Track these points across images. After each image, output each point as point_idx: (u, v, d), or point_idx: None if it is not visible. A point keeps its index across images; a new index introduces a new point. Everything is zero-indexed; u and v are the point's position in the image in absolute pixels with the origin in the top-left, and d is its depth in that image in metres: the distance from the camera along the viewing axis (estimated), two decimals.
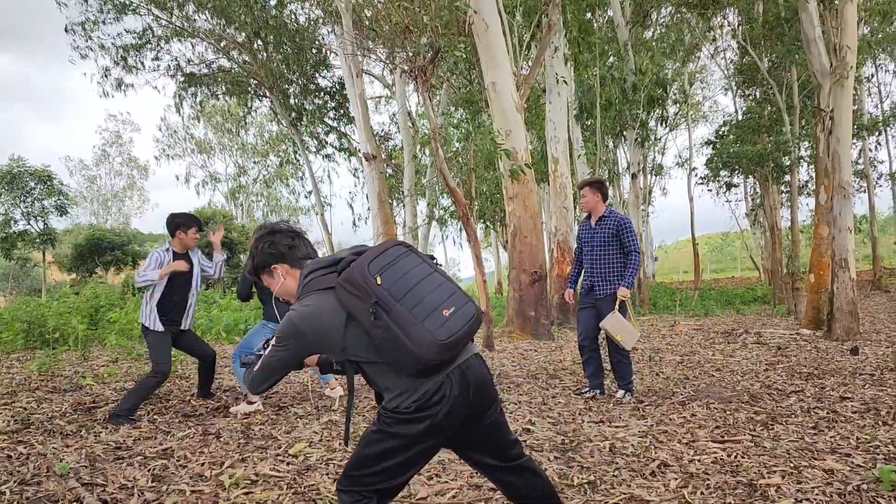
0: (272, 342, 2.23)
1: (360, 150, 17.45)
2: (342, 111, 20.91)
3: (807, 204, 21.83)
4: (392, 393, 2.16)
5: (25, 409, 5.38)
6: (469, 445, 2.36)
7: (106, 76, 19.14)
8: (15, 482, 3.57)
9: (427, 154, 19.75)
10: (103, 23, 18.15)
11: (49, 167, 26.37)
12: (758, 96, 19.99)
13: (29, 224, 27.37)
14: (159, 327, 5.25)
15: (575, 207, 14.35)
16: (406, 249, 2.21)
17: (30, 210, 26.92)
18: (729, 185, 21.95)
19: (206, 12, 18.30)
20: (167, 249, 5.34)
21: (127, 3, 17.76)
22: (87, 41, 18.25)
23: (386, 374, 2.16)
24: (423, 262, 2.20)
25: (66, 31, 18.04)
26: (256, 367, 2.27)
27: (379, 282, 2.06)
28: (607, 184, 5.68)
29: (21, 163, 26.16)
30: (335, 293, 2.14)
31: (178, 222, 5.37)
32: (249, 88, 20.51)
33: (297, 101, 20.05)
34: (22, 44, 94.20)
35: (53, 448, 4.22)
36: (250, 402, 5.52)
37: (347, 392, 2.29)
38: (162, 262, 5.25)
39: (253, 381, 2.28)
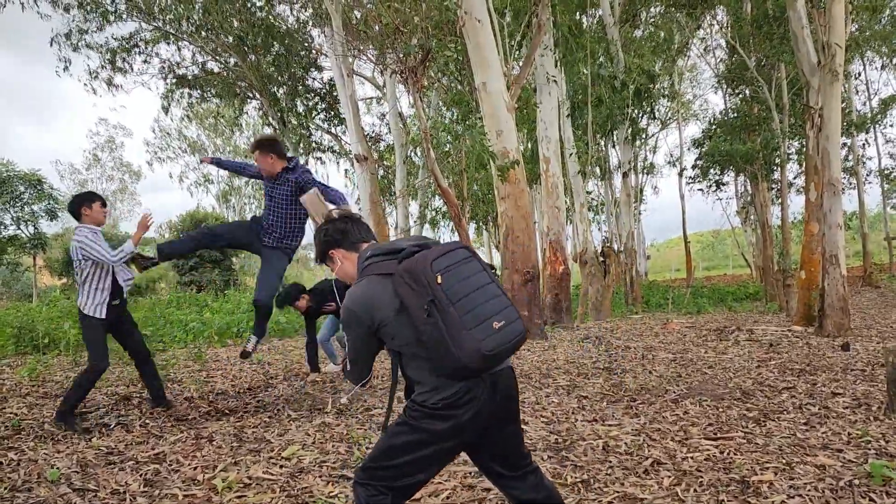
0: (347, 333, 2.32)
1: (351, 152, 17.44)
2: (333, 112, 20.87)
3: (797, 201, 22.00)
4: (424, 388, 2.20)
5: (16, 414, 5.34)
6: (483, 451, 2.36)
7: (95, 77, 19.05)
8: (6, 489, 3.55)
9: (419, 155, 19.76)
10: (87, 32, 18.06)
11: (39, 171, 26.23)
12: (747, 94, 20.08)
13: (19, 229, 27.21)
14: (103, 314, 4.97)
15: (567, 208, 14.40)
16: (469, 255, 2.23)
17: (20, 215, 26.76)
18: (719, 184, 22.04)
19: (195, 16, 18.24)
20: (91, 229, 4.97)
21: (110, 10, 17.68)
22: (73, 51, 18.16)
23: (422, 368, 2.18)
24: (482, 270, 2.22)
25: (51, 44, 17.92)
26: (348, 364, 2.36)
27: (439, 281, 2.08)
28: (280, 140, 5.57)
29: (10, 167, 26.00)
30: (392, 281, 2.16)
31: (80, 200, 5.05)
32: (238, 91, 20.45)
33: (286, 103, 20.01)
34: (11, 45, 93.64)
35: (45, 454, 4.20)
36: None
37: (391, 379, 2.32)
38: (100, 239, 4.96)
39: (350, 375, 2.38)
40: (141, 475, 3.75)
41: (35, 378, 7.06)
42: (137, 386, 6.60)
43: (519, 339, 2.18)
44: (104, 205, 5.16)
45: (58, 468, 3.84)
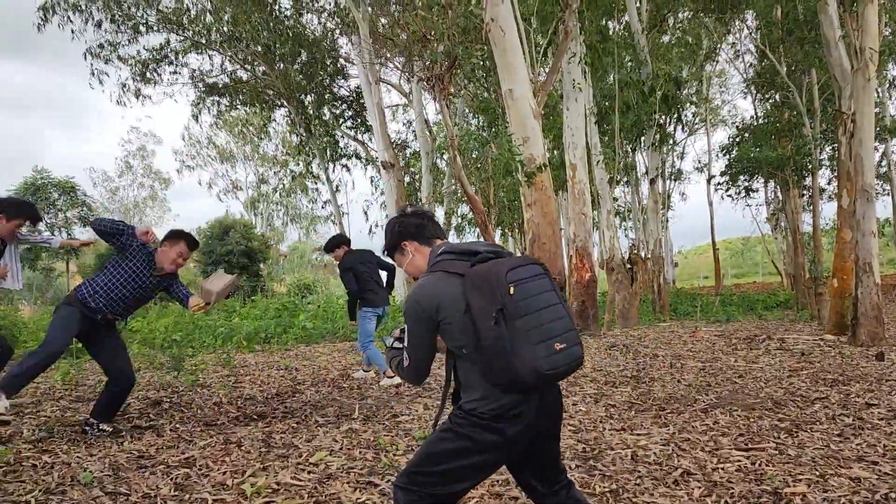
0: (407, 328, 2.29)
1: (377, 159, 17.55)
2: (360, 120, 21.04)
3: (828, 208, 21.61)
4: (473, 394, 2.19)
5: (50, 417, 5.44)
6: (523, 466, 2.35)
7: (125, 90, 19.45)
8: (40, 491, 3.61)
9: (445, 161, 19.81)
10: (118, 45, 18.46)
11: (73, 178, 26.75)
12: (777, 100, 19.81)
13: (53, 234, 27.75)
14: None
15: (594, 213, 14.30)
16: (542, 272, 2.23)
17: (54, 221, 27.31)
18: (748, 190, 21.76)
19: (224, 27, 18.55)
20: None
21: (141, 22, 18.05)
22: (105, 63, 18.57)
23: (476, 374, 2.18)
24: (553, 289, 2.22)
25: (84, 56, 18.34)
26: (406, 363, 2.31)
27: (511, 292, 2.08)
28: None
29: (45, 174, 26.55)
30: (463, 282, 2.16)
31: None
32: (267, 98, 20.72)
33: (313, 110, 20.22)
34: (45, 56, 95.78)
35: (77, 457, 4.27)
36: (390, 377, 6.78)
37: (445, 378, 2.33)
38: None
39: (408, 374, 2.33)
40: (171, 479, 3.80)
41: (68, 382, 7.18)
42: (167, 391, 6.69)
43: (576, 364, 2.18)
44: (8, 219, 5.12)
45: (90, 471, 3.90)
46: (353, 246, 7.46)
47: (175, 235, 4.95)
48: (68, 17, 17.36)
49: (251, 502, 3.44)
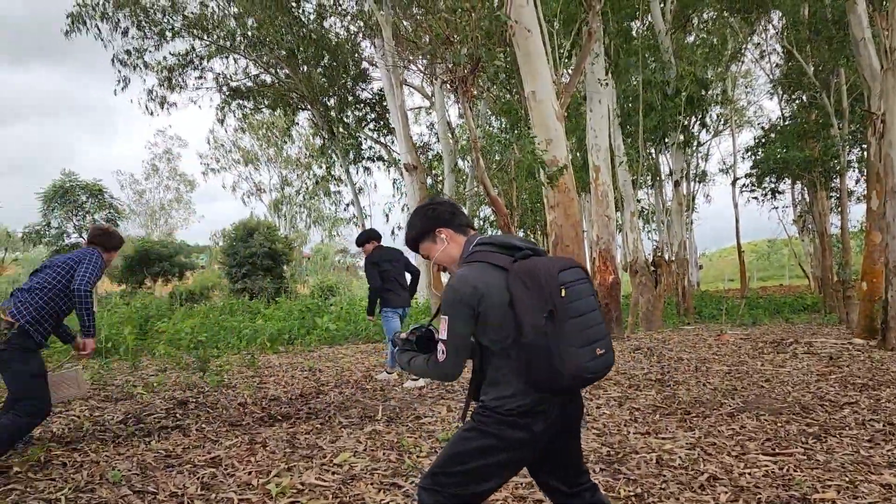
0: (442, 316, 2.20)
1: (400, 161, 17.59)
2: (382, 122, 21.12)
3: (857, 210, 21.30)
4: (501, 391, 2.16)
5: (79, 417, 5.53)
6: (544, 466, 2.34)
7: (152, 98, 19.71)
8: (70, 489, 3.67)
9: (467, 163, 19.81)
10: (144, 51, 18.72)
11: (100, 181, 27.13)
12: (804, 100, 19.55)
13: (81, 237, 28.16)
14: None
15: (617, 215, 14.22)
16: (586, 276, 2.23)
17: (82, 223, 27.73)
18: (775, 192, 21.50)
19: (249, 31, 18.74)
20: None
21: (167, 28, 18.28)
22: (133, 70, 18.84)
23: (506, 369, 2.16)
24: (594, 294, 2.23)
25: (112, 62, 18.63)
26: (441, 356, 2.19)
27: (563, 294, 2.08)
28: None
29: (73, 177, 26.96)
30: (507, 276, 2.14)
31: None
32: (291, 101, 20.88)
33: (336, 113, 20.33)
34: (73, 60, 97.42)
35: (106, 456, 4.33)
36: (414, 378, 6.79)
37: (472, 371, 2.29)
38: None
39: (443, 367, 2.21)
40: (198, 478, 3.84)
41: (97, 382, 7.29)
42: (193, 391, 6.76)
43: (608, 370, 2.20)
44: None
45: (119, 470, 3.96)
46: None
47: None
48: (96, 25, 17.63)
49: (276, 502, 3.47)
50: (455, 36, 8.58)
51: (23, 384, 4.08)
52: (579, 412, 2.30)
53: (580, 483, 2.36)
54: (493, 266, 2.17)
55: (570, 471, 2.35)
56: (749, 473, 3.75)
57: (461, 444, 2.20)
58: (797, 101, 20.41)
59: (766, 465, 3.88)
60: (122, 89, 18.97)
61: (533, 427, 2.14)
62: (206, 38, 19.08)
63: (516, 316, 2.09)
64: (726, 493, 3.45)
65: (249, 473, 3.93)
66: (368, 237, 7.52)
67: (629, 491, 3.51)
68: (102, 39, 17.82)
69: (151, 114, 20.17)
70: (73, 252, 4.44)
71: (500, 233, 9.83)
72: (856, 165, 18.88)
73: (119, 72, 18.67)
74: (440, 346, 2.19)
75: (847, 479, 3.60)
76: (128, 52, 18.57)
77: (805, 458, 4.02)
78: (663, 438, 4.53)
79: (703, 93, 15.99)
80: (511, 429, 2.14)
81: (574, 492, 2.34)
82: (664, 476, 3.74)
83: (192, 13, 18.62)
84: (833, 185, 19.17)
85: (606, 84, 12.75)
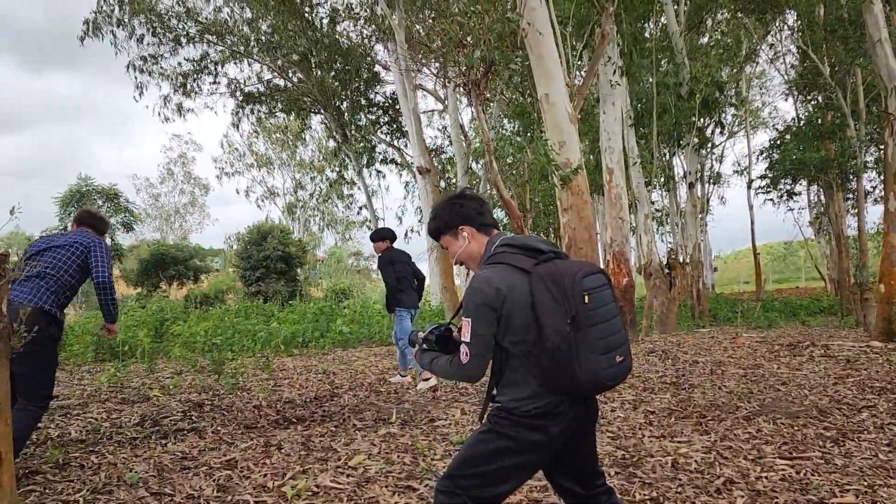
0: (464, 319, 2.18)
1: (413, 164, 17.63)
2: (395, 125, 21.19)
3: (874, 211, 21.09)
4: (518, 392, 2.16)
5: (96, 419, 5.58)
6: (560, 467, 2.33)
7: (166, 103, 19.89)
8: (88, 491, 3.71)
9: (480, 166, 19.82)
10: (159, 58, 18.89)
11: (116, 185, 27.38)
12: (820, 101, 19.40)
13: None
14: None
15: (631, 218, 14.19)
16: (607, 282, 2.23)
17: None
18: (790, 194, 21.34)
19: (262, 36, 18.87)
20: None
21: (182, 34, 18.44)
22: (148, 76, 19.02)
23: (525, 371, 2.15)
24: (615, 301, 2.23)
25: (127, 69, 18.81)
26: (465, 357, 2.18)
27: (587, 300, 2.08)
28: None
29: (89, 182, 27.21)
30: (530, 279, 2.14)
31: None
32: (304, 105, 21.00)
33: (349, 116, 20.42)
34: (90, 65, 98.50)
35: (123, 458, 4.37)
36: (426, 379, 6.84)
37: (491, 372, 2.28)
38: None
39: (467, 369, 2.19)
40: (214, 480, 3.87)
41: (113, 384, 7.35)
42: (209, 393, 6.80)
43: (627, 376, 2.21)
44: None
45: (136, 472, 3.99)
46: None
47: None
48: (111, 31, 17.81)
49: None
50: (468, 39, 8.59)
51: (45, 376, 3.97)
52: (594, 415, 2.30)
53: (595, 485, 2.35)
54: (516, 268, 2.17)
55: (585, 472, 2.34)
56: (766, 477, 3.72)
57: (478, 446, 2.20)
58: (813, 102, 20.25)
59: (784, 469, 3.85)
60: (140, 95, 19.18)
61: (549, 429, 2.14)
62: (220, 43, 19.24)
63: (538, 319, 2.09)
64: (743, 497, 3.43)
65: (265, 476, 3.95)
66: (383, 236, 7.55)
67: (645, 495, 3.50)
68: (117, 46, 18.01)
69: (167, 120, 20.37)
70: (72, 234, 4.31)
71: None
72: (873, 166, 18.71)
73: (135, 78, 18.87)
74: (463, 348, 2.18)
75: (866, 483, 3.57)
76: (143, 59, 18.76)
77: (823, 461, 3.98)
78: (679, 442, 4.50)
79: (719, 94, 15.90)
80: (527, 430, 2.14)
81: (589, 493, 2.34)
82: (680, 480, 3.72)
83: (206, 18, 18.78)
84: (850, 186, 18.99)
85: (618, 85, 12.70)
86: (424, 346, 2.41)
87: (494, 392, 2.27)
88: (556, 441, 2.17)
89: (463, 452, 2.24)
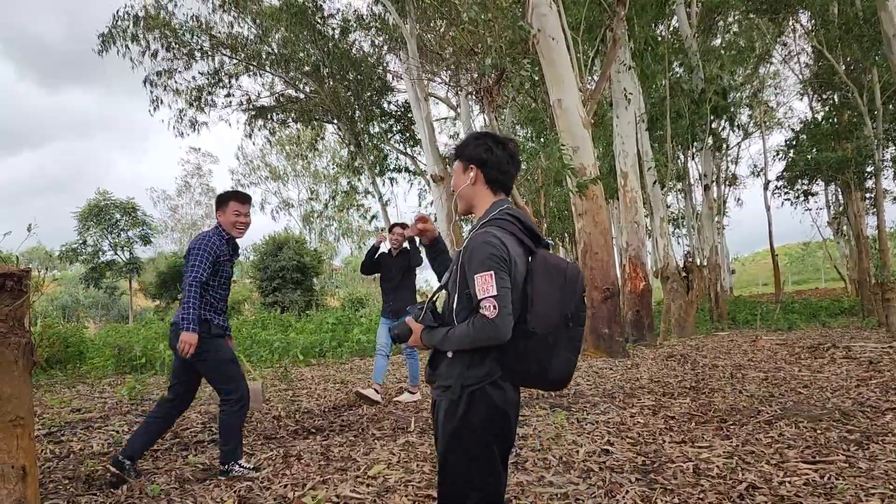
0: (480, 274, 2.03)
1: (427, 172, 17.68)
2: (408, 134, 21.27)
3: (893, 210, 20.82)
4: (476, 369, 2.10)
5: (118, 432, 5.62)
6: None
7: (181, 118, 20.09)
8: (111, 503, 3.73)
9: None
10: (174, 72, 19.13)
11: (133, 199, 27.70)
12: (836, 100, 19.24)
13: (116, 254, 28.75)
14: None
15: (647, 221, 14.13)
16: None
17: (116, 241, 28.29)
18: (808, 194, 21.15)
19: (274, 46, 19.04)
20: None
21: (195, 48, 18.66)
22: (163, 91, 19.25)
23: (494, 349, 2.09)
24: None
25: (144, 83, 19.05)
26: (493, 311, 2.00)
27: (583, 302, 2.13)
28: None
29: (107, 196, 27.53)
30: (533, 259, 2.13)
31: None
32: (317, 116, 21.14)
33: (363, 125, 20.53)
34: (107, 80, 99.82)
35: (145, 470, 4.40)
36: (412, 392, 6.71)
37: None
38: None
39: (495, 326, 2.00)
40: (235, 492, 3.88)
41: (134, 397, 7.41)
42: None
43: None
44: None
45: (158, 484, 4.02)
46: None
47: (222, 199, 4.44)
48: (126, 46, 18.05)
49: None
50: (479, 47, 8.62)
51: (221, 372, 4.25)
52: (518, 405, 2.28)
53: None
54: (520, 241, 2.14)
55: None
56: (789, 482, 3.68)
57: (449, 465, 2.19)
58: (829, 102, 20.09)
59: (807, 474, 3.80)
60: (155, 110, 19.41)
61: (496, 398, 2.15)
62: (234, 56, 19.43)
63: (530, 301, 2.06)
64: (766, 502, 3.39)
65: (285, 486, 3.96)
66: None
67: (666, 501, 3.47)
68: (132, 60, 18.25)
69: (181, 135, 20.58)
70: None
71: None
72: (891, 165, 18.52)
73: (151, 92, 19.10)
74: (489, 303, 1.99)
75: (892, 486, 3.52)
76: (158, 74, 18.99)
77: (847, 465, 3.93)
78: (700, 447, 4.46)
79: (726, 100, 15.80)
80: (480, 406, 2.12)
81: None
82: (702, 485, 3.69)
83: (220, 32, 18.98)
84: (868, 185, 18.81)
85: (631, 95, 12.66)
86: (428, 322, 2.23)
87: (430, 364, 2.28)
88: (507, 415, 2.17)
89: (441, 479, 2.28)
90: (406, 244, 6.92)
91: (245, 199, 4.45)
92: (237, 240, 4.46)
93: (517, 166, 2.33)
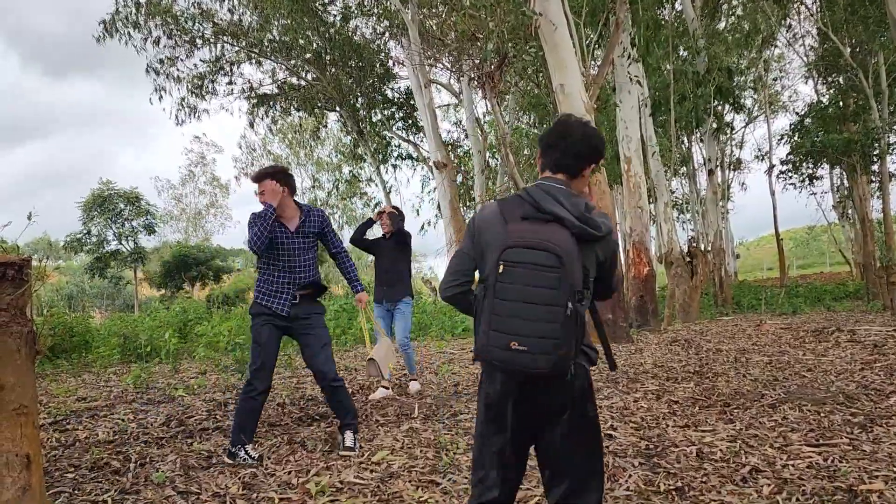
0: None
1: (429, 159, 17.64)
2: (411, 121, 21.21)
3: None
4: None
5: (123, 420, 5.65)
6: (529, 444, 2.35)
7: (182, 106, 20.03)
8: (116, 491, 3.76)
9: (497, 159, 19.79)
10: (176, 60, 19.06)
11: (136, 188, 27.69)
12: (841, 83, 19.10)
13: (120, 244, 28.82)
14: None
15: (650, 207, 14.08)
16: (552, 264, 2.07)
17: (121, 230, 28.34)
18: (812, 178, 21.04)
19: (275, 33, 18.95)
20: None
21: (197, 35, 18.58)
22: (165, 78, 19.18)
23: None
24: (553, 287, 2.04)
25: (146, 71, 18.99)
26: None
27: (500, 270, 2.05)
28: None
29: (111, 186, 27.54)
30: (503, 226, 2.12)
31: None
32: (319, 103, 21.07)
33: (365, 112, 20.47)
34: (109, 71, 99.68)
35: (150, 457, 4.42)
36: (385, 387, 6.53)
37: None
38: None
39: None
40: (239, 479, 3.90)
41: (139, 385, 7.44)
42: (233, 392, 6.86)
43: (527, 371, 2.00)
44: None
45: (163, 471, 4.04)
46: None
47: (259, 178, 4.60)
48: (128, 33, 17.98)
49: (316, 501, 3.50)
50: (481, 32, 8.56)
51: (253, 352, 4.67)
52: (554, 403, 2.15)
53: (552, 484, 2.25)
54: (501, 216, 2.15)
55: (546, 469, 2.27)
56: (792, 465, 3.68)
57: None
58: (834, 84, 19.95)
59: (810, 457, 3.80)
60: (159, 99, 19.36)
61: (484, 386, 2.20)
62: (235, 44, 19.35)
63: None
64: (769, 485, 3.39)
65: (289, 473, 3.98)
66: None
67: (669, 485, 3.47)
68: (136, 47, 18.20)
69: (182, 123, 20.52)
70: None
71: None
72: None
73: (154, 80, 19.05)
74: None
75: (895, 469, 3.52)
76: (161, 62, 18.93)
77: (850, 448, 3.93)
78: (703, 431, 4.47)
79: (731, 81, 15.70)
80: (485, 377, 2.21)
81: (547, 489, 2.28)
82: (705, 469, 3.69)
83: (221, 19, 18.90)
84: (873, 168, 18.70)
85: (638, 82, 12.57)
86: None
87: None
88: (498, 402, 2.15)
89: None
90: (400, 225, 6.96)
91: (253, 179, 4.70)
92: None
93: (562, 143, 2.26)
